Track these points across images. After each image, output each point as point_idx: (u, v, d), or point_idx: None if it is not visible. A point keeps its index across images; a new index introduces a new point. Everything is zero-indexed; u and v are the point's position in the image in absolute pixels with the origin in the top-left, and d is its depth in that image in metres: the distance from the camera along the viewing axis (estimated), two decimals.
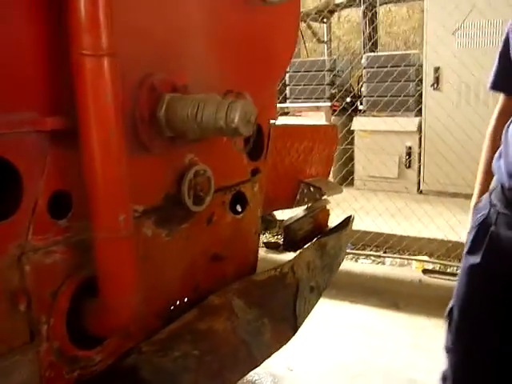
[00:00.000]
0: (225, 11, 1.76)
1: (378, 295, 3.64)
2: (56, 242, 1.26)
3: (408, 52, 6.37)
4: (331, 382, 2.77)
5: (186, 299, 1.73)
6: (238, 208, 1.99)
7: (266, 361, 1.75)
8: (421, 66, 6.10)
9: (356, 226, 2.80)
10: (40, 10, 1.17)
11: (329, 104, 3.77)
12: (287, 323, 1.91)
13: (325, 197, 2.68)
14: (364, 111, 6.48)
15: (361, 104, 6.59)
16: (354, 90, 7.52)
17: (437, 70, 5.74)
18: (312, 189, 2.56)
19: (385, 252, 4.47)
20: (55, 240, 1.26)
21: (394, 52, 6.64)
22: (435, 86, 5.78)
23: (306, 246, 2.17)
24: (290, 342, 1.90)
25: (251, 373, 1.74)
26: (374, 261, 4.44)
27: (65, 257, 1.28)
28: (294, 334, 1.94)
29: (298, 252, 2.19)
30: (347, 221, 2.64)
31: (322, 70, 6.97)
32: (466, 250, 2.26)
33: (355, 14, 9.18)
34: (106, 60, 1.15)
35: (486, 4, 5.23)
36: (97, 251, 1.24)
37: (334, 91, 6.73)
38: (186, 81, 1.59)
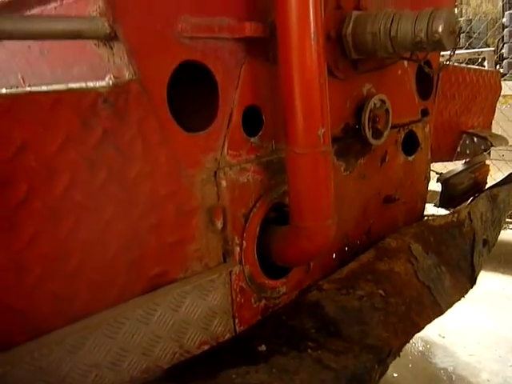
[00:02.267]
0: None
1: None
2: (249, 160, 1.19)
3: None
4: (491, 352, 2.57)
5: (359, 241, 1.63)
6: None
7: None
8: None
9: None
10: None
11: (492, 49, 3.47)
12: (465, 273, 1.74)
13: (485, 152, 2.46)
14: (505, 74, 5.98)
15: (500, 67, 6.09)
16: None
17: None
18: (476, 139, 2.35)
19: None
20: (248, 158, 1.19)
21: None
22: None
23: (480, 196, 1.98)
24: (468, 293, 1.73)
25: None
26: None
27: (257, 177, 1.21)
28: (471, 287, 1.76)
29: (471, 200, 2.00)
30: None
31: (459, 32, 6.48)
32: None
33: None
34: None
35: None
36: (291, 169, 1.16)
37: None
38: (367, 1, 1.47)
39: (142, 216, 1.00)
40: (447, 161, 2.34)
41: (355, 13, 1.36)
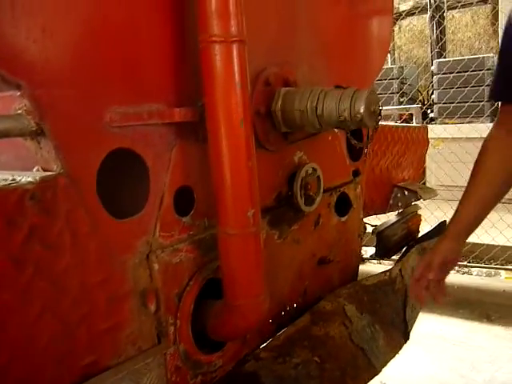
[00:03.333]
0: (330, 7, 1.71)
1: (468, 307, 3.46)
2: (181, 240, 1.21)
3: (481, 56, 6.15)
4: None
5: (295, 304, 1.66)
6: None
7: None
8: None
9: None
10: (164, 1, 1.14)
11: (419, 105, 3.65)
12: (398, 330, 1.80)
13: (417, 202, 2.57)
14: (435, 118, 6.29)
15: (431, 112, 6.41)
16: (423, 99, 7.33)
17: None
18: (406, 193, 2.45)
19: (469, 262, 4.27)
20: (180, 238, 1.21)
21: (467, 56, 6.43)
22: None
23: (410, 251, 2.06)
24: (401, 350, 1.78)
25: None
26: (458, 271, 4.25)
27: (189, 256, 1.23)
28: (405, 342, 1.82)
29: (404, 254, 2.08)
30: (442, 226, 2.50)
31: (388, 78, 6.84)
32: None
33: (417, 22, 9.01)
34: (236, 46, 1.10)
35: None
36: (223, 249, 1.18)
37: (402, 99, 6.60)
38: (295, 76, 1.53)
39: (71, 307, 0.99)
40: (380, 213, 2.43)
41: (283, 90, 1.42)
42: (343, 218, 1.86)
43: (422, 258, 1.59)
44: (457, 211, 1.54)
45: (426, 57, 7.81)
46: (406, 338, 1.84)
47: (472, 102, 5.64)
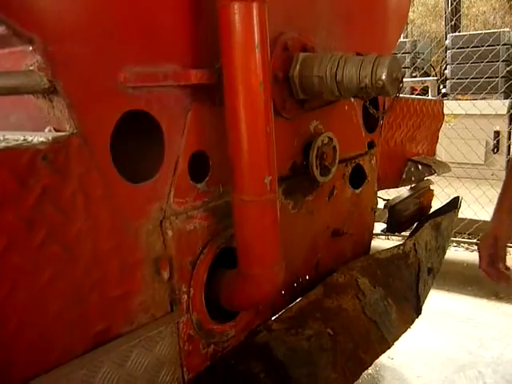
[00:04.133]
0: None
1: (477, 284, 3.43)
2: (195, 207, 1.18)
3: (496, 30, 6.02)
4: (438, 373, 2.62)
5: (307, 276, 1.64)
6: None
7: None
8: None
9: None
10: None
11: (435, 78, 3.57)
12: (411, 304, 1.78)
13: (430, 177, 2.53)
14: (447, 94, 6.19)
15: (444, 87, 6.30)
16: (436, 74, 7.22)
17: None
18: (420, 167, 2.40)
19: (478, 240, 4.20)
20: (194, 205, 1.18)
21: (481, 31, 6.30)
22: None
23: (424, 226, 2.02)
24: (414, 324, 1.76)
25: None
26: (467, 248, 4.22)
27: (203, 223, 1.20)
28: (417, 317, 1.80)
29: (417, 230, 2.05)
30: (455, 202, 2.46)
31: (401, 52, 6.72)
32: None
33: None
34: (256, 6, 1.05)
35: None
36: (238, 216, 1.15)
37: (415, 74, 6.48)
38: (313, 41, 1.48)
39: (84, 273, 0.97)
40: (393, 187, 2.39)
41: (302, 55, 1.37)
42: (357, 191, 1.82)
43: (484, 237, 1.67)
44: (506, 186, 1.63)
45: (440, 31, 7.67)
46: (419, 312, 1.82)
47: (487, 77, 5.54)
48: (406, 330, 1.70)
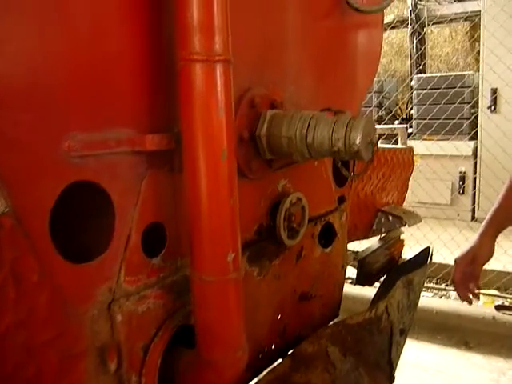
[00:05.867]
0: (318, 21, 1.57)
1: (447, 332, 3.35)
2: (149, 285, 1.05)
3: (463, 73, 6.10)
4: None
5: (273, 345, 1.51)
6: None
7: None
8: (476, 87, 5.85)
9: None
10: (137, 10, 0.98)
11: (405, 126, 3.55)
12: (383, 372, 1.67)
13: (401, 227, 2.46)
14: (414, 134, 6.23)
15: (410, 127, 6.34)
16: (402, 112, 7.29)
17: (494, 91, 5.48)
18: (391, 218, 2.33)
19: (447, 285, 4.18)
20: (149, 282, 1.05)
21: (448, 73, 6.38)
22: (492, 107, 5.51)
23: (396, 284, 1.93)
24: None
25: None
26: (435, 294, 4.16)
27: (158, 302, 1.07)
28: None
29: (385, 282, 1.96)
30: (427, 252, 2.38)
31: (369, 92, 6.74)
32: None
33: (395, 35, 8.99)
34: (220, 66, 0.95)
35: None
36: (197, 296, 1.03)
37: (381, 113, 6.52)
38: (281, 97, 1.39)
39: (15, 370, 0.83)
40: (362, 239, 2.31)
41: (270, 112, 1.27)
42: (327, 249, 1.72)
43: (462, 256, 1.81)
44: (494, 211, 1.79)
45: (404, 70, 7.77)
46: (392, 380, 1.71)
47: (452, 119, 5.59)
48: None
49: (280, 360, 1.51)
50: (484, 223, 1.80)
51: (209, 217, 0.97)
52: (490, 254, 1.79)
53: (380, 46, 2.07)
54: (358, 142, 1.14)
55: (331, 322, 1.82)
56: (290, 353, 1.47)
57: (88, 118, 0.91)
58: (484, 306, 3.66)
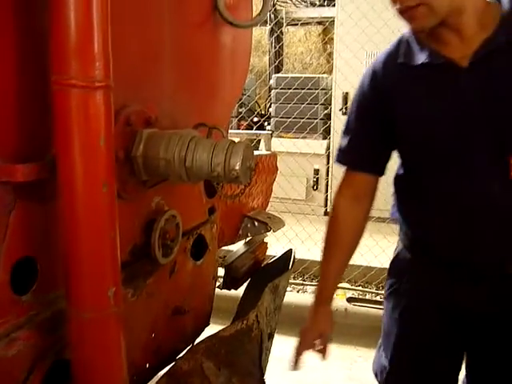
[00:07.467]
0: (192, 34, 1.55)
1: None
2: (19, 325, 0.97)
3: (315, 75, 6.41)
4: None
5: (147, 364, 1.48)
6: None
7: None
8: (329, 89, 6.17)
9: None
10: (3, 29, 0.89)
11: (269, 132, 3.62)
12: (255, 378, 1.71)
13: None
14: (272, 132, 6.42)
15: (268, 125, 6.53)
16: (260, 109, 7.48)
17: (346, 95, 5.84)
18: (256, 224, 2.39)
19: (304, 280, 4.39)
20: (18, 323, 0.96)
21: (304, 74, 6.65)
22: (344, 110, 5.86)
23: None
24: None
25: None
26: (293, 288, 4.34)
27: (30, 342, 0.99)
28: None
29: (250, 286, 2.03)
30: (289, 255, 2.48)
31: None
32: None
33: (254, 32, 9.18)
34: (100, 92, 0.90)
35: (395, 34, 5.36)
36: (75, 334, 0.97)
37: (241, 110, 6.63)
38: (156, 113, 1.35)
39: None
40: (230, 245, 2.34)
41: (146, 132, 1.23)
42: (199, 262, 1.72)
43: (303, 330, 1.86)
44: (322, 280, 1.84)
45: (261, 66, 7.97)
46: None
47: (307, 118, 5.86)
48: None
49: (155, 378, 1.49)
50: (316, 295, 1.87)
51: (88, 251, 0.92)
52: (332, 322, 1.87)
53: (249, 55, 2.10)
54: (237, 168, 1.14)
55: (203, 332, 1.83)
56: (165, 372, 1.46)
57: None
58: (337, 298, 3.90)
